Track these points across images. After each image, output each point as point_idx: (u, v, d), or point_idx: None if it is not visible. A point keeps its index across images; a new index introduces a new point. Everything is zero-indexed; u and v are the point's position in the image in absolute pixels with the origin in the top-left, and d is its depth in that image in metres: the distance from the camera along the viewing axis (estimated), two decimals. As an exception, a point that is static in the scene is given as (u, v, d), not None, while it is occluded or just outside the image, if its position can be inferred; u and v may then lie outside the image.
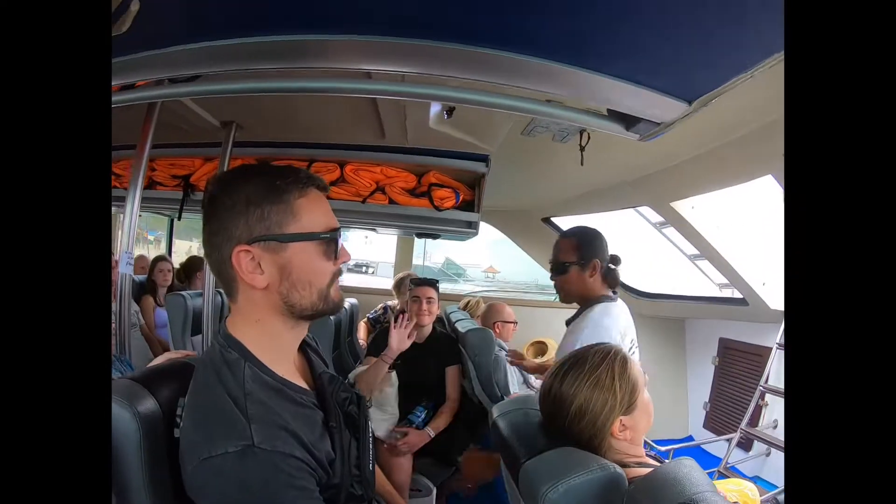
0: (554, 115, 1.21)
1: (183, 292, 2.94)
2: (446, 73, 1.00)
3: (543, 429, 1.14)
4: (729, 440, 3.53)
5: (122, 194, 3.48)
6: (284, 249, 0.82)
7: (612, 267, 1.91)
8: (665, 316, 4.36)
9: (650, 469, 0.98)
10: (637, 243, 4.17)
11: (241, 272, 0.81)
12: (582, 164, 2.24)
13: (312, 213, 0.85)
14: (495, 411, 1.27)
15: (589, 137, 2.15)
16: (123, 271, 1.87)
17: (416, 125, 2.04)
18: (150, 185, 3.39)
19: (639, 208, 3.67)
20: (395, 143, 2.35)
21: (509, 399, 1.52)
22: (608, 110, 1.18)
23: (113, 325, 1.91)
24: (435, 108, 1.87)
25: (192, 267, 4.00)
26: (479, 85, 1.08)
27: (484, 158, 2.51)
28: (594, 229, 1.95)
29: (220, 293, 3.30)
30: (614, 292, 1.91)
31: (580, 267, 1.84)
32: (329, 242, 0.86)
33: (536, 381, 2.94)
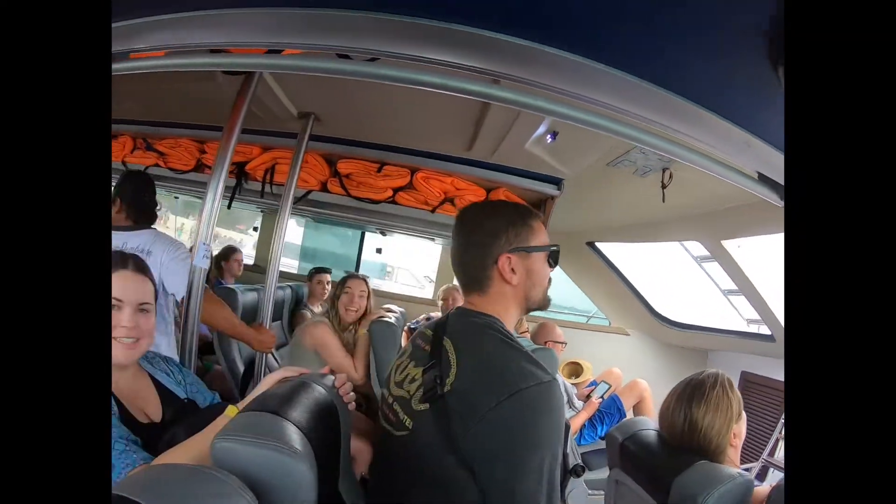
0: (708, 167, 1.16)
1: (234, 286, 2.85)
2: (603, 98, 0.98)
3: (667, 445, 1.31)
4: (748, 469, 3.55)
5: (164, 174, 3.45)
6: (529, 257, 1.08)
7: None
8: (690, 346, 4.37)
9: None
10: (674, 274, 4.17)
11: (504, 272, 1.06)
12: (664, 200, 2.21)
13: (542, 234, 1.11)
14: (619, 435, 1.42)
15: (671, 176, 2.13)
16: (199, 264, 1.74)
17: (513, 142, 1.99)
18: (198, 166, 3.33)
19: (685, 242, 3.67)
20: (479, 156, 2.31)
21: (624, 422, 1.57)
22: (759, 174, 1.13)
23: (180, 320, 1.83)
24: (541, 129, 1.83)
25: (226, 256, 3.88)
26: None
27: (557, 181, 2.48)
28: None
29: (289, 287, 3.25)
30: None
31: None
32: (553, 254, 1.12)
33: (578, 402, 2.95)
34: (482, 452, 0.90)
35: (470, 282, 1.12)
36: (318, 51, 1.08)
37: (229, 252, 3.84)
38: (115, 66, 1.40)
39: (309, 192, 2.89)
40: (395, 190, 2.72)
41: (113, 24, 1.23)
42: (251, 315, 2.74)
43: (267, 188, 2.98)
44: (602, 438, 3.01)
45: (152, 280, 1.20)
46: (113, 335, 1.09)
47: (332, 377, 1.23)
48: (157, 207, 2.13)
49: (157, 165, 3.50)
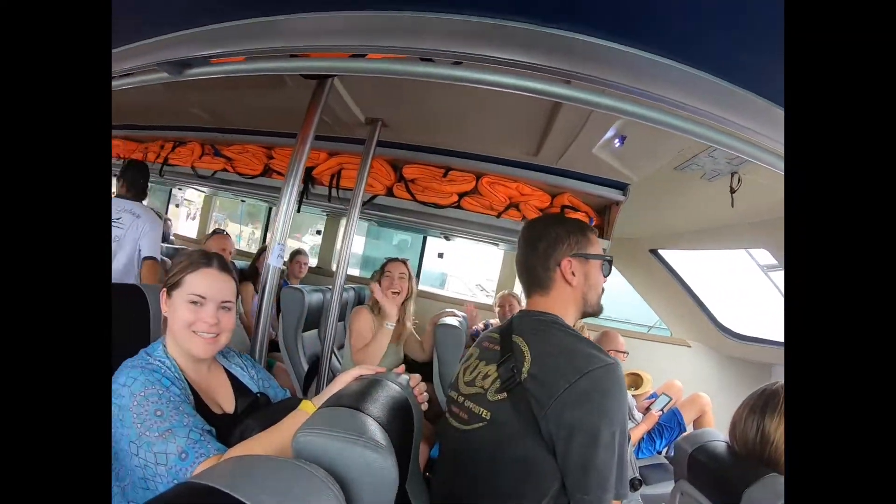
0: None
1: (300, 286, 2.90)
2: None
3: (737, 456, 1.30)
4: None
5: (232, 178, 3.61)
6: (587, 263, 1.22)
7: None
8: (754, 359, 4.20)
9: None
10: (739, 283, 4.03)
11: (566, 274, 1.20)
12: (732, 206, 2.15)
13: (597, 245, 1.26)
14: (687, 445, 1.42)
15: (740, 180, 2.07)
16: (274, 263, 1.81)
17: (580, 146, 1.97)
18: (266, 171, 3.45)
19: (751, 249, 3.55)
20: (545, 161, 2.31)
21: (693, 434, 1.57)
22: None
23: (259, 320, 1.89)
24: (609, 132, 1.82)
25: (291, 258, 4.00)
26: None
27: (622, 186, 2.45)
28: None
29: (352, 289, 3.33)
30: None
31: None
32: (607, 263, 1.27)
33: (637, 414, 2.89)
34: (560, 429, 1.00)
35: (534, 283, 1.25)
36: (402, 55, 1.11)
37: (294, 254, 3.97)
38: (193, 70, 1.48)
39: (375, 196, 2.94)
40: (461, 195, 2.75)
41: (192, 30, 1.34)
42: (317, 315, 2.83)
43: (333, 192, 3.06)
44: (660, 453, 2.93)
45: (235, 279, 1.25)
46: (195, 329, 1.16)
47: (407, 376, 1.28)
48: (149, 188, 2.94)
49: (224, 170, 3.68)
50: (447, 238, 3.88)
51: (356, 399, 1.00)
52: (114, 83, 2.03)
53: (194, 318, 1.16)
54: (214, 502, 0.59)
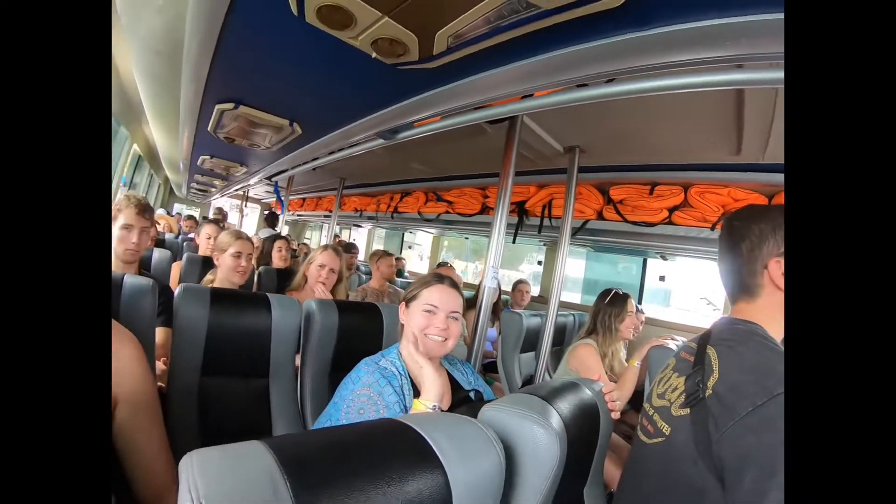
0: None
1: (519, 311, 3.16)
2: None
3: None
4: None
5: (454, 218, 4.13)
6: None
7: None
8: None
9: None
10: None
11: (775, 277, 1.06)
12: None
13: None
14: None
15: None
16: (489, 285, 2.10)
17: (780, 134, 1.87)
18: (483, 209, 3.90)
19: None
20: (751, 158, 2.23)
21: None
22: None
23: (469, 336, 2.19)
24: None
25: (514, 286, 4.39)
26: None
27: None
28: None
29: (571, 315, 3.50)
30: None
31: None
32: None
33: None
34: (734, 456, 0.87)
35: (738, 289, 1.13)
36: (561, 87, 1.32)
37: (517, 283, 4.35)
38: (402, 134, 2.01)
39: (586, 221, 3.08)
40: (671, 210, 2.74)
41: (397, 105, 1.81)
42: (534, 338, 3.05)
43: (546, 222, 3.30)
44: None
45: (462, 296, 1.53)
46: (426, 333, 1.43)
47: (602, 383, 1.37)
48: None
49: (447, 212, 4.26)
50: (664, 258, 3.82)
51: (545, 390, 1.13)
52: (346, 151, 2.69)
53: (428, 324, 1.44)
54: (403, 432, 0.82)
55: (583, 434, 1.15)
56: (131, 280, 1.41)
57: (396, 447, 0.78)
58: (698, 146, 2.26)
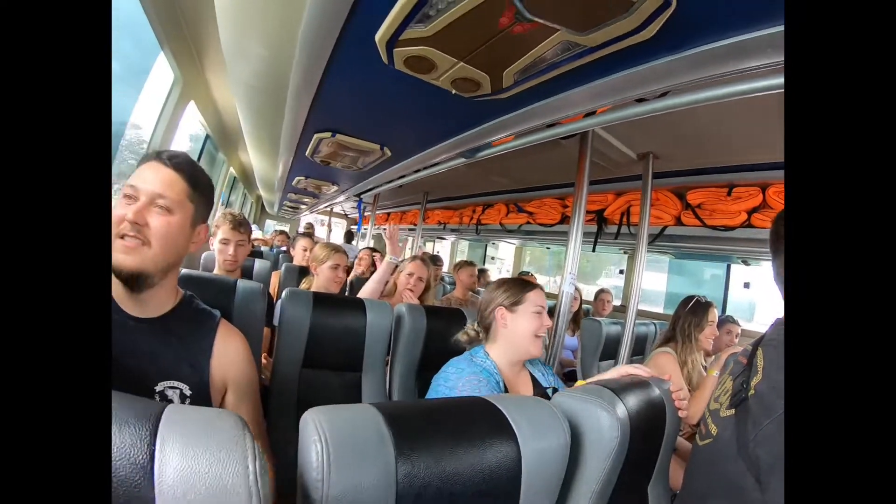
0: None
1: (600, 319, 3.22)
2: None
3: None
4: None
5: (535, 229, 4.27)
6: None
7: None
8: None
9: None
10: None
11: None
12: None
13: None
14: None
15: None
16: (566, 290, 2.20)
17: None
18: (563, 219, 4.00)
19: None
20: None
21: None
22: None
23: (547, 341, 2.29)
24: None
25: (596, 296, 4.48)
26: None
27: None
28: None
29: (653, 324, 3.52)
30: None
31: None
32: None
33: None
34: (768, 455, 0.86)
35: None
36: (622, 103, 1.46)
37: (598, 293, 4.44)
38: (481, 153, 2.25)
39: (664, 228, 3.11)
40: (749, 212, 2.71)
41: (477, 129, 2.04)
42: (614, 345, 3.12)
43: (625, 230, 3.37)
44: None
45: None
46: (538, 334, 1.55)
47: (671, 383, 1.41)
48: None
49: (528, 223, 4.42)
50: (745, 263, 3.75)
51: (614, 384, 1.20)
52: (429, 170, 2.94)
53: (539, 325, 1.56)
54: (485, 406, 0.97)
55: (647, 428, 1.21)
56: (243, 284, 1.65)
57: (478, 418, 0.94)
58: (775, 144, 2.24)
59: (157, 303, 1.13)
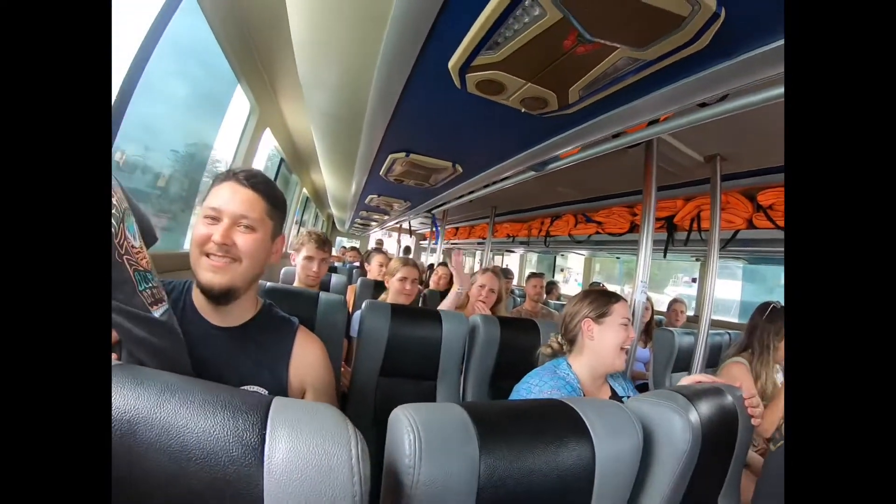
0: None
1: (670, 329, 3.18)
2: None
3: None
4: None
5: (605, 238, 4.26)
6: None
7: None
8: None
9: None
10: None
11: None
12: None
13: None
14: None
15: None
16: (637, 298, 2.23)
17: None
18: (632, 228, 3.97)
19: None
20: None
21: None
22: None
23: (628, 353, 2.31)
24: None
25: (669, 306, 4.43)
26: None
27: None
28: None
29: (727, 334, 3.40)
30: None
31: None
32: None
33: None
34: None
35: None
36: (685, 109, 1.49)
37: (671, 303, 4.38)
38: (550, 166, 2.32)
39: (736, 232, 3.03)
40: None
41: (545, 143, 2.09)
42: (687, 356, 3.05)
43: (695, 236, 3.31)
44: None
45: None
46: (623, 347, 1.55)
47: (743, 391, 1.39)
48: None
49: (597, 233, 4.39)
50: None
51: (686, 389, 1.23)
52: (499, 184, 3.03)
53: (625, 337, 1.56)
54: (562, 408, 1.02)
55: (719, 435, 1.22)
56: (325, 297, 1.77)
57: (555, 418, 0.99)
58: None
59: (239, 312, 1.20)
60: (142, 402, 0.63)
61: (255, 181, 1.15)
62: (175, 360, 0.98)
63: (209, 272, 1.10)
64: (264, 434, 0.63)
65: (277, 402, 0.69)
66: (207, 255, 1.09)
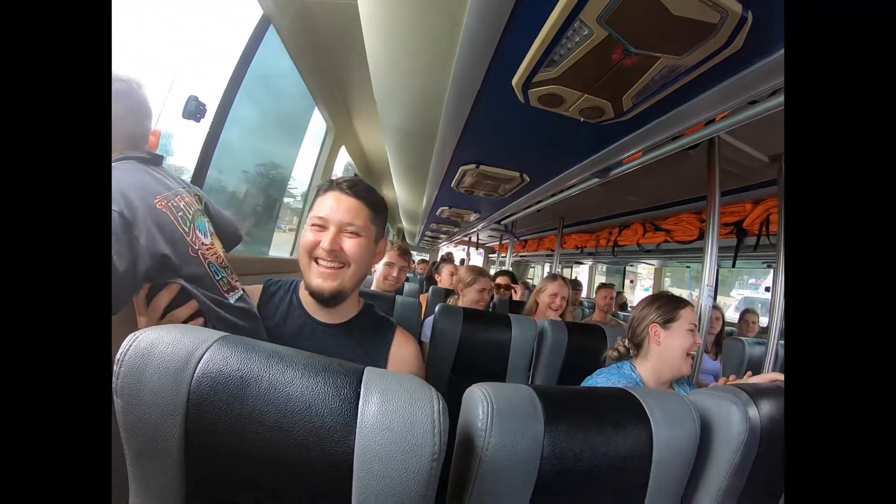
0: None
1: (741, 338, 3.15)
2: None
3: None
4: None
5: (673, 247, 4.22)
6: None
7: None
8: None
9: None
10: None
11: None
12: None
13: None
14: None
15: None
16: (704, 303, 2.21)
17: None
18: (702, 235, 3.85)
19: None
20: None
21: None
22: None
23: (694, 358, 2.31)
24: None
25: (741, 316, 4.37)
26: None
27: None
28: None
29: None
30: None
31: None
32: None
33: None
34: None
35: None
36: (737, 107, 1.52)
37: (744, 313, 4.33)
38: (613, 171, 2.36)
39: None
40: None
41: (605, 150, 2.16)
42: (758, 367, 2.88)
43: (765, 240, 3.21)
44: None
45: None
46: (690, 352, 1.58)
47: None
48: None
49: (665, 241, 4.33)
50: None
51: (750, 387, 1.18)
52: (565, 193, 3.07)
53: (692, 343, 1.58)
54: (623, 394, 1.06)
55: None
56: (402, 300, 1.93)
57: (617, 403, 1.05)
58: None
59: (344, 311, 1.27)
60: (252, 363, 0.71)
61: (358, 189, 1.20)
62: (256, 338, 1.07)
63: (319, 278, 1.17)
64: (359, 391, 0.71)
65: (369, 370, 0.77)
66: (317, 260, 1.17)
